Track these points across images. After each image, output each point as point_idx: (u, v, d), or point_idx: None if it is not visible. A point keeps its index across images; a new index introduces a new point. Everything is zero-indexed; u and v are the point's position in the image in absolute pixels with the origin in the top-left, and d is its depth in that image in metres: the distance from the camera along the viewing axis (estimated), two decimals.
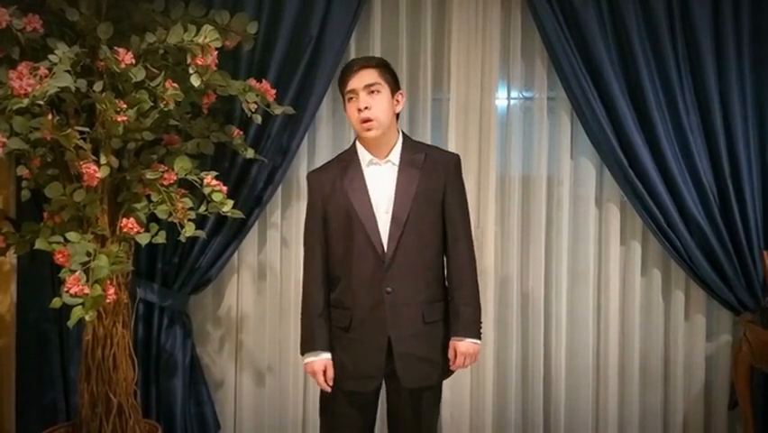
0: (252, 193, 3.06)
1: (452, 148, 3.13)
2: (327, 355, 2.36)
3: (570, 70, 3.00)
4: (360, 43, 3.15)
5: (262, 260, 3.26)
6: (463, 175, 3.08)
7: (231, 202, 2.71)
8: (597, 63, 2.99)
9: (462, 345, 2.32)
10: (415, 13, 3.17)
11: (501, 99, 3.23)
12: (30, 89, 2.16)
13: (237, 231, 3.09)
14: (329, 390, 2.36)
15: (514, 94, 3.23)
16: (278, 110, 2.86)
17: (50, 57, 2.29)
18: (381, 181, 2.33)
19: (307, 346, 2.37)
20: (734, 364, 3.02)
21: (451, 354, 2.34)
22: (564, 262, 3.21)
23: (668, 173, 3.02)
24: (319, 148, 3.19)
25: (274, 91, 2.84)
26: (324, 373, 2.35)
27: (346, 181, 2.34)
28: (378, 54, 3.08)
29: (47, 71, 2.23)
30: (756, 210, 3.05)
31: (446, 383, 3.12)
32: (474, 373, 3.20)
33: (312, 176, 2.47)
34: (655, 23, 3.00)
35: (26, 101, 2.16)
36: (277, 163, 3.08)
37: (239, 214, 2.78)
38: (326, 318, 2.37)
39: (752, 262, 3.05)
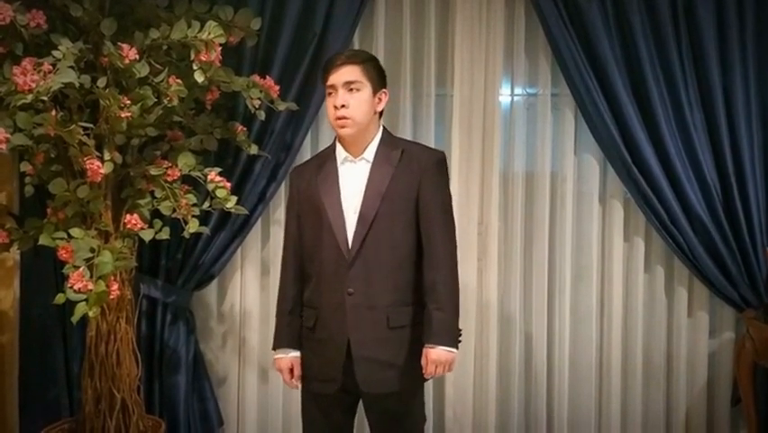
0: (256, 189, 3.06)
1: (455, 144, 3.13)
2: (295, 354, 2.35)
3: (573, 67, 3.00)
4: (363, 39, 3.15)
5: (266, 256, 3.26)
6: (467, 172, 3.13)
7: (234, 198, 2.70)
8: (600, 60, 2.99)
9: (433, 353, 2.17)
10: (418, 8, 3.16)
11: (505, 96, 3.22)
12: (33, 85, 2.15)
13: (241, 227, 3.09)
14: (295, 387, 2.38)
15: (517, 90, 3.22)
16: (281, 106, 2.86)
17: (54, 53, 2.28)
18: (354, 179, 2.27)
19: (277, 343, 2.37)
20: (737, 361, 3.02)
21: (423, 362, 2.19)
22: (567, 258, 3.21)
23: (671, 170, 3.03)
24: (322, 144, 3.18)
25: (278, 87, 2.84)
26: (292, 371, 2.35)
27: (320, 179, 2.30)
28: (381, 50, 3.08)
29: (50, 67, 2.22)
30: (760, 207, 3.06)
31: (449, 381, 3.18)
32: (477, 370, 3.21)
33: (294, 171, 2.48)
34: (659, 20, 3.00)
35: (30, 97, 2.15)
36: (280, 159, 3.08)
37: (242, 210, 2.78)
38: (297, 316, 2.35)
39: (755, 259, 3.05)
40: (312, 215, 2.30)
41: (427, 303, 2.21)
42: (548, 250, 3.22)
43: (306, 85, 3.03)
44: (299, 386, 2.38)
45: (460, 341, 2.25)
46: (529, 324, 3.26)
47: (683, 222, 3.03)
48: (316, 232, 2.27)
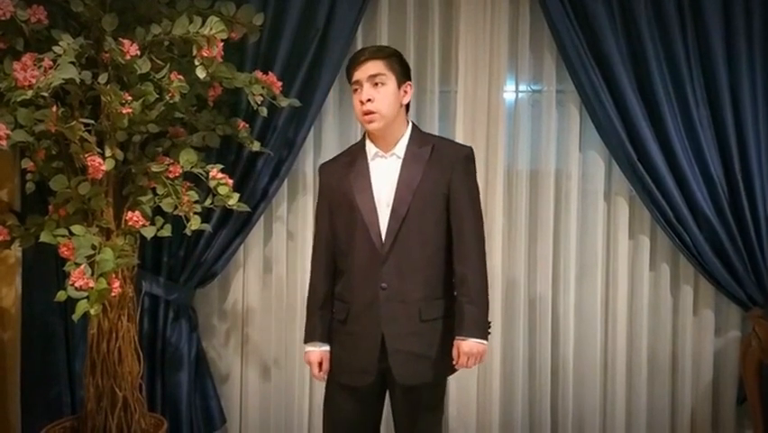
0: (258, 186, 3.04)
1: (459, 141, 3.10)
2: (325, 348, 2.38)
3: (579, 63, 2.98)
4: (366, 35, 3.13)
5: (268, 253, 3.24)
6: None
7: (236, 195, 2.69)
8: (606, 56, 2.97)
9: (465, 345, 2.22)
10: (422, 4, 3.14)
11: (509, 92, 3.20)
12: (34, 81, 2.14)
13: (243, 224, 3.07)
14: (322, 380, 2.41)
15: (522, 87, 3.20)
16: (284, 102, 2.84)
17: (55, 48, 2.26)
18: (385, 175, 2.30)
19: (308, 337, 2.40)
20: (742, 360, 3.00)
21: (454, 354, 2.26)
22: (572, 256, 3.19)
23: (677, 167, 3.00)
24: (325, 141, 3.17)
25: (280, 83, 2.82)
26: (320, 364, 2.38)
27: (352, 174, 2.32)
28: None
29: (51, 63, 2.20)
30: (766, 205, 3.02)
31: (453, 379, 3.13)
32: (481, 368, 3.18)
33: (322, 167, 2.49)
34: (665, 16, 2.97)
35: (30, 93, 2.14)
36: (283, 156, 3.06)
37: (245, 207, 2.76)
38: (328, 311, 2.39)
39: (761, 257, 3.02)
40: (345, 211, 2.32)
41: (458, 296, 2.27)
42: (552, 247, 3.20)
43: (309, 81, 3.01)
44: (325, 379, 2.41)
45: (489, 333, 2.30)
46: (533, 321, 3.24)
47: (689, 220, 3.01)
48: (350, 228, 2.30)
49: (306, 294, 2.45)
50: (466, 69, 3.12)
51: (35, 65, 2.17)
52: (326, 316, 2.39)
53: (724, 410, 3.20)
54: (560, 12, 2.97)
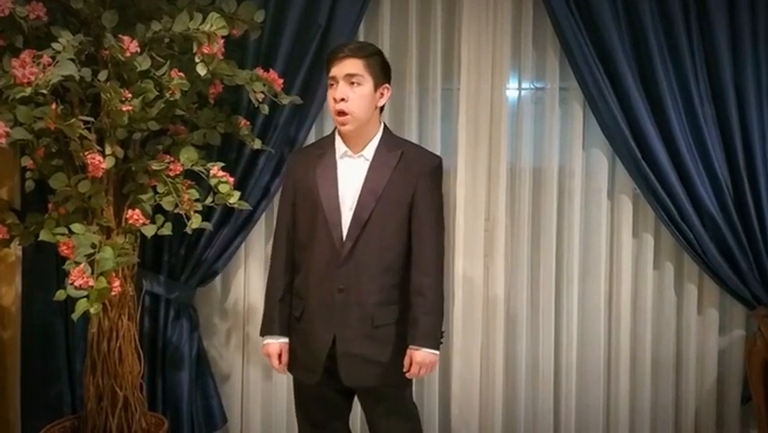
0: (259, 184, 3.02)
1: (461, 139, 3.10)
2: (284, 340, 2.38)
3: (582, 60, 2.95)
4: (368, 32, 3.11)
5: (269, 252, 3.21)
6: (473, 167, 3.11)
7: (237, 193, 2.67)
8: (610, 53, 2.94)
9: (418, 355, 2.22)
10: (424, 0, 3.11)
11: (512, 90, 3.18)
12: (32, 78, 2.11)
13: (244, 223, 3.05)
14: (283, 373, 2.44)
15: (525, 84, 3.18)
16: (285, 100, 2.82)
17: (54, 45, 2.24)
18: (351, 176, 2.28)
19: (266, 329, 2.40)
20: (747, 359, 2.99)
21: (406, 362, 2.25)
22: (576, 254, 3.17)
23: (682, 165, 2.98)
24: None
25: (281, 81, 2.81)
26: (280, 357, 2.38)
27: (318, 170, 2.30)
28: (386, 43, 3.05)
29: (50, 60, 2.18)
30: None
31: (455, 377, 3.16)
32: (484, 366, 3.18)
33: (291, 158, 2.48)
34: (670, 12, 2.95)
35: (29, 90, 2.11)
36: (284, 154, 3.04)
37: (246, 205, 2.74)
38: (287, 303, 2.38)
39: (766, 256, 3.00)
40: (308, 206, 2.30)
41: (414, 305, 2.26)
42: (555, 246, 3.18)
43: (311, 78, 2.99)
44: (286, 372, 2.43)
45: (441, 342, 2.31)
46: (536, 321, 3.22)
47: (693, 218, 2.99)
48: (312, 224, 2.29)
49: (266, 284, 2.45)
50: (468, 66, 3.10)
51: (34, 62, 2.15)
52: (285, 309, 2.38)
53: (728, 410, 3.19)
54: (563, 8, 2.94)
